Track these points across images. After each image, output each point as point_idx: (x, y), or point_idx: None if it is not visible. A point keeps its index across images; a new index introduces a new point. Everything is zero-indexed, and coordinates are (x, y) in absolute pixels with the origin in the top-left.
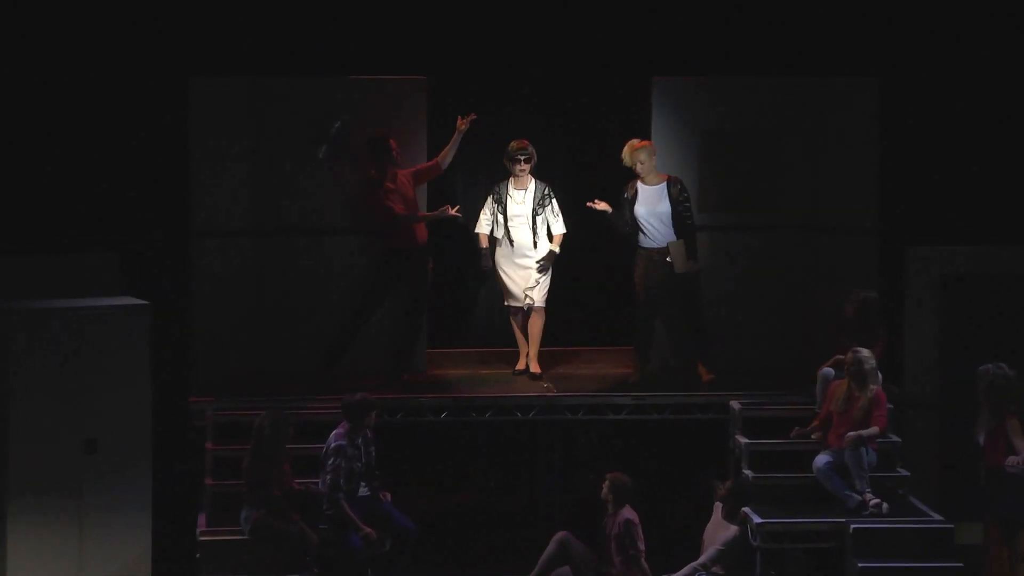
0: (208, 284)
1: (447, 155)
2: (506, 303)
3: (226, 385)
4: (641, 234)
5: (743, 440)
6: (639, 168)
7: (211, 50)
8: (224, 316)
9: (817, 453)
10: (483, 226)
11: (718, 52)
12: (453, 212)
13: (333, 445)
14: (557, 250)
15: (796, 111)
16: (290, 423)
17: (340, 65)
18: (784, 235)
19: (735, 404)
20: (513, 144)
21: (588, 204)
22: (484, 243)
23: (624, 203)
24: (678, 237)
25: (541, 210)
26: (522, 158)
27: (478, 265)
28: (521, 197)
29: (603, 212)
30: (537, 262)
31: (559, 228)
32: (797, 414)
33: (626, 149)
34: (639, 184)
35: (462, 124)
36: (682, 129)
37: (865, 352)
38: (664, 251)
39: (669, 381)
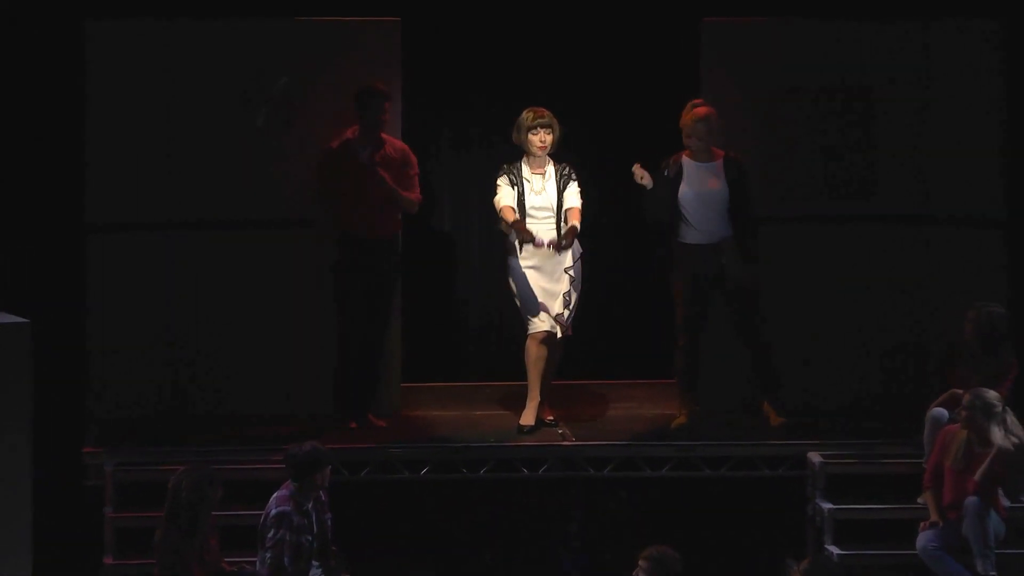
0: (108, 295)
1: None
2: (529, 326)
3: (132, 431)
4: (683, 225)
5: (826, 505)
6: (690, 141)
7: None
8: (130, 338)
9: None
10: (507, 198)
11: None
12: None
13: (275, 512)
14: (578, 225)
15: (893, 64)
16: (217, 483)
17: (285, 3)
18: (878, 229)
19: (815, 457)
20: (527, 114)
21: (633, 168)
22: (513, 215)
23: (660, 183)
24: (733, 233)
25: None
26: (541, 128)
27: (515, 248)
28: (540, 184)
29: (641, 187)
30: (566, 270)
31: (575, 200)
32: (898, 470)
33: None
34: (685, 159)
35: None
36: (741, 87)
37: (991, 394)
38: (716, 249)
39: (726, 426)
